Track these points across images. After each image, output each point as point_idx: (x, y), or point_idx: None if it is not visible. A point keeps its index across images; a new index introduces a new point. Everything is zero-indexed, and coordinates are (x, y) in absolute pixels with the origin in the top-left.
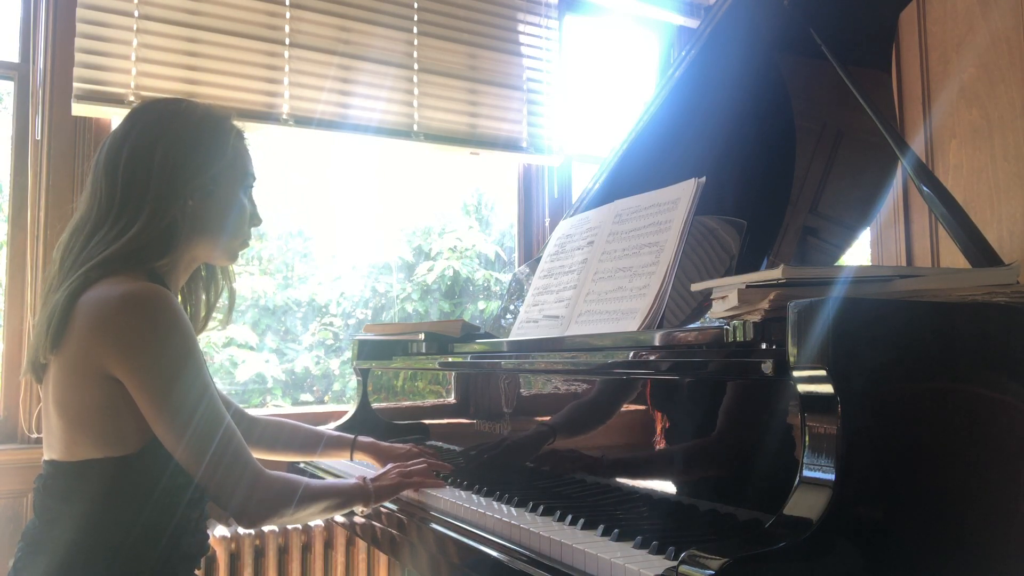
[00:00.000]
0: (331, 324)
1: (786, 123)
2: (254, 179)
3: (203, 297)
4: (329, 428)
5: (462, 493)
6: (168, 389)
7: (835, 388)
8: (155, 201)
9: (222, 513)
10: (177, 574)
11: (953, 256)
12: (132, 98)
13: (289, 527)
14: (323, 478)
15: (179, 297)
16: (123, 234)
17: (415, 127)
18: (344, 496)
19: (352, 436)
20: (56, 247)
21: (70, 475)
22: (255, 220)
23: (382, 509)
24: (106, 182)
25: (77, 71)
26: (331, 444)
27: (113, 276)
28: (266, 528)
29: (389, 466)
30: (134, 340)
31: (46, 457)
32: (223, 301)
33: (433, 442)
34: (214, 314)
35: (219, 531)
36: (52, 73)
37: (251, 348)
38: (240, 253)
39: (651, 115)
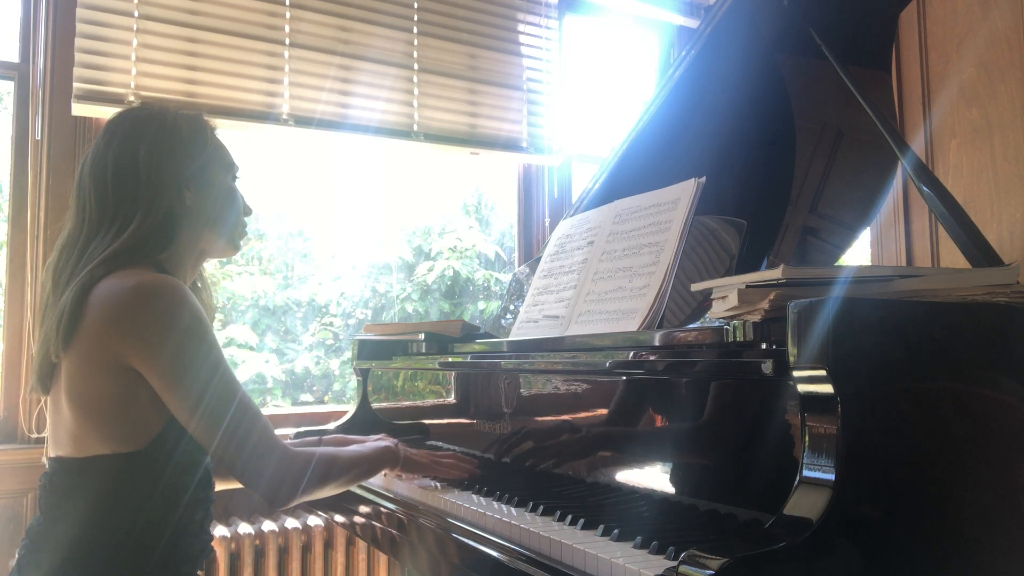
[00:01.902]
0: (331, 324)
1: (786, 123)
2: (237, 168)
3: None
4: (329, 427)
5: (462, 493)
6: (178, 363)
7: (835, 388)
8: (146, 198)
9: (222, 513)
10: (179, 573)
11: (953, 256)
12: (132, 98)
13: (289, 526)
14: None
15: None
16: (120, 233)
17: (415, 127)
18: (371, 461)
19: (317, 437)
20: (45, 269)
21: (75, 471)
22: (247, 210)
23: (382, 509)
24: (95, 193)
25: (77, 71)
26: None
27: (121, 270)
28: (266, 528)
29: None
30: (150, 328)
31: (52, 454)
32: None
33: (433, 442)
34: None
35: (219, 531)
36: (52, 73)
37: (251, 348)
38: (241, 244)
39: (651, 115)
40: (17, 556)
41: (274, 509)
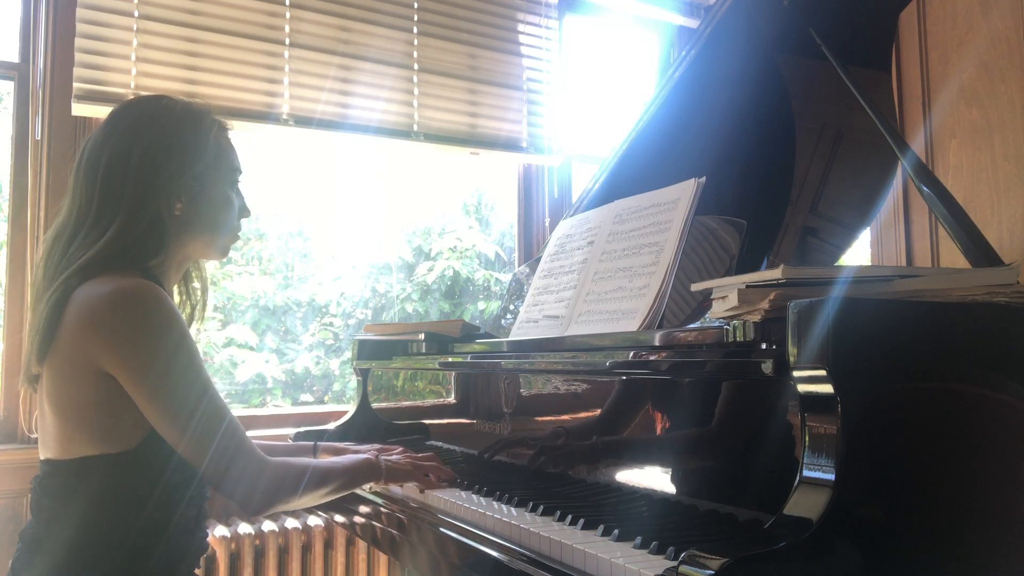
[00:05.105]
0: (331, 324)
1: (786, 123)
2: (240, 172)
3: (189, 294)
4: (329, 427)
5: (462, 493)
6: (164, 385)
7: (835, 388)
8: (131, 203)
9: (222, 513)
10: (177, 573)
11: (953, 256)
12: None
13: (289, 526)
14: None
15: (177, 297)
16: (100, 238)
17: (415, 127)
18: (353, 474)
19: (312, 443)
20: (40, 255)
21: (67, 473)
22: (244, 212)
23: (382, 509)
24: (85, 187)
25: (77, 71)
26: (294, 453)
27: (101, 275)
28: (266, 528)
29: (399, 449)
30: (126, 336)
31: (42, 456)
32: (199, 296)
33: (433, 442)
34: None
35: (219, 531)
36: (52, 73)
37: (251, 348)
38: (232, 247)
39: (651, 115)
40: (12, 559)
41: (248, 516)
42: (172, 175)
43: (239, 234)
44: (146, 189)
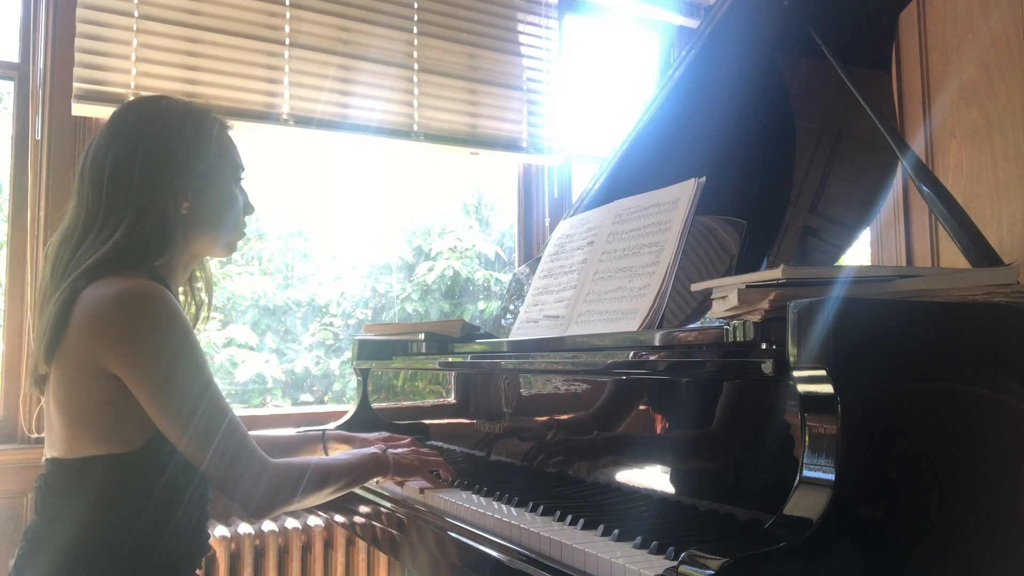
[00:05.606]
0: (331, 324)
1: (786, 123)
2: (242, 168)
3: (193, 294)
4: (328, 428)
5: (462, 493)
6: (167, 384)
7: (835, 388)
8: (138, 204)
9: (222, 513)
10: (178, 573)
11: (953, 256)
12: (132, 98)
13: (289, 526)
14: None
15: (181, 297)
16: (109, 239)
17: (415, 127)
18: (359, 470)
19: (321, 431)
20: (45, 256)
21: (72, 472)
22: (248, 209)
23: (382, 509)
24: (92, 190)
25: (77, 71)
26: (302, 444)
27: (108, 276)
28: (266, 528)
29: (406, 440)
30: (131, 337)
31: (47, 455)
32: (203, 296)
33: (433, 442)
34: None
35: (219, 531)
36: (52, 73)
37: (251, 348)
38: (238, 244)
39: (651, 115)
40: (15, 558)
41: (251, 518)
42: (176, 174)
43: (245, 231)
44: (152, 189)
